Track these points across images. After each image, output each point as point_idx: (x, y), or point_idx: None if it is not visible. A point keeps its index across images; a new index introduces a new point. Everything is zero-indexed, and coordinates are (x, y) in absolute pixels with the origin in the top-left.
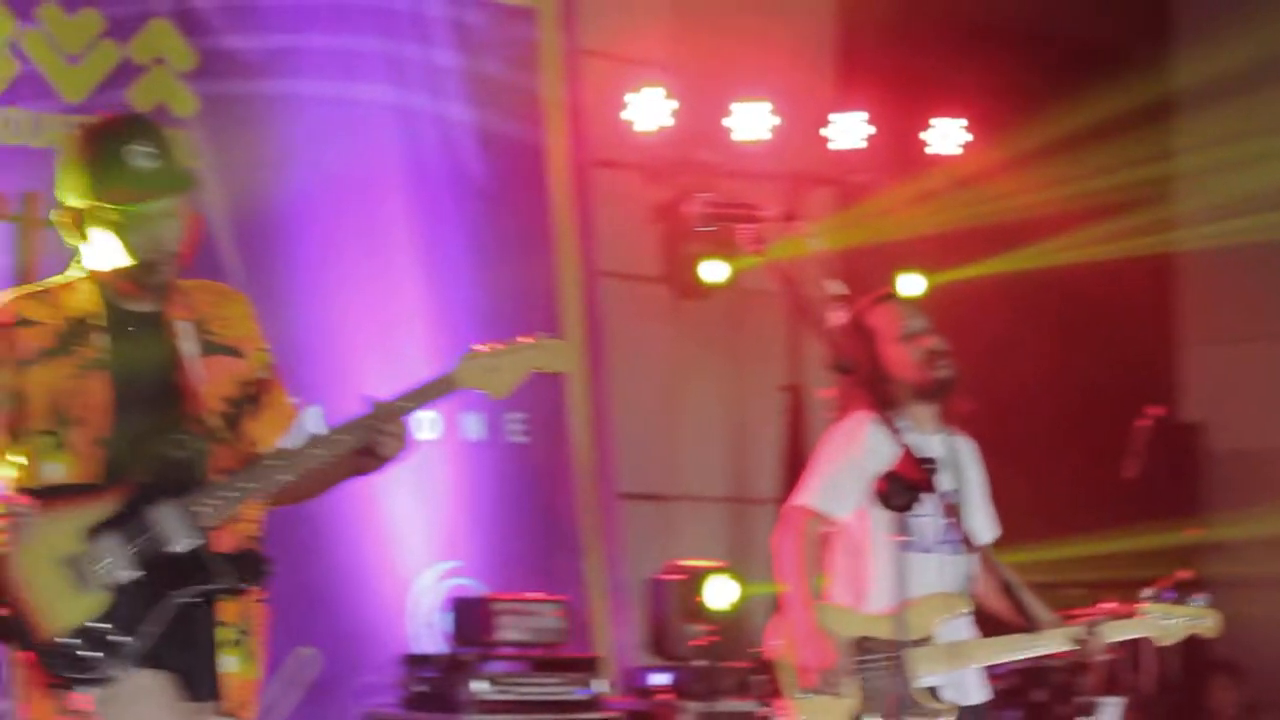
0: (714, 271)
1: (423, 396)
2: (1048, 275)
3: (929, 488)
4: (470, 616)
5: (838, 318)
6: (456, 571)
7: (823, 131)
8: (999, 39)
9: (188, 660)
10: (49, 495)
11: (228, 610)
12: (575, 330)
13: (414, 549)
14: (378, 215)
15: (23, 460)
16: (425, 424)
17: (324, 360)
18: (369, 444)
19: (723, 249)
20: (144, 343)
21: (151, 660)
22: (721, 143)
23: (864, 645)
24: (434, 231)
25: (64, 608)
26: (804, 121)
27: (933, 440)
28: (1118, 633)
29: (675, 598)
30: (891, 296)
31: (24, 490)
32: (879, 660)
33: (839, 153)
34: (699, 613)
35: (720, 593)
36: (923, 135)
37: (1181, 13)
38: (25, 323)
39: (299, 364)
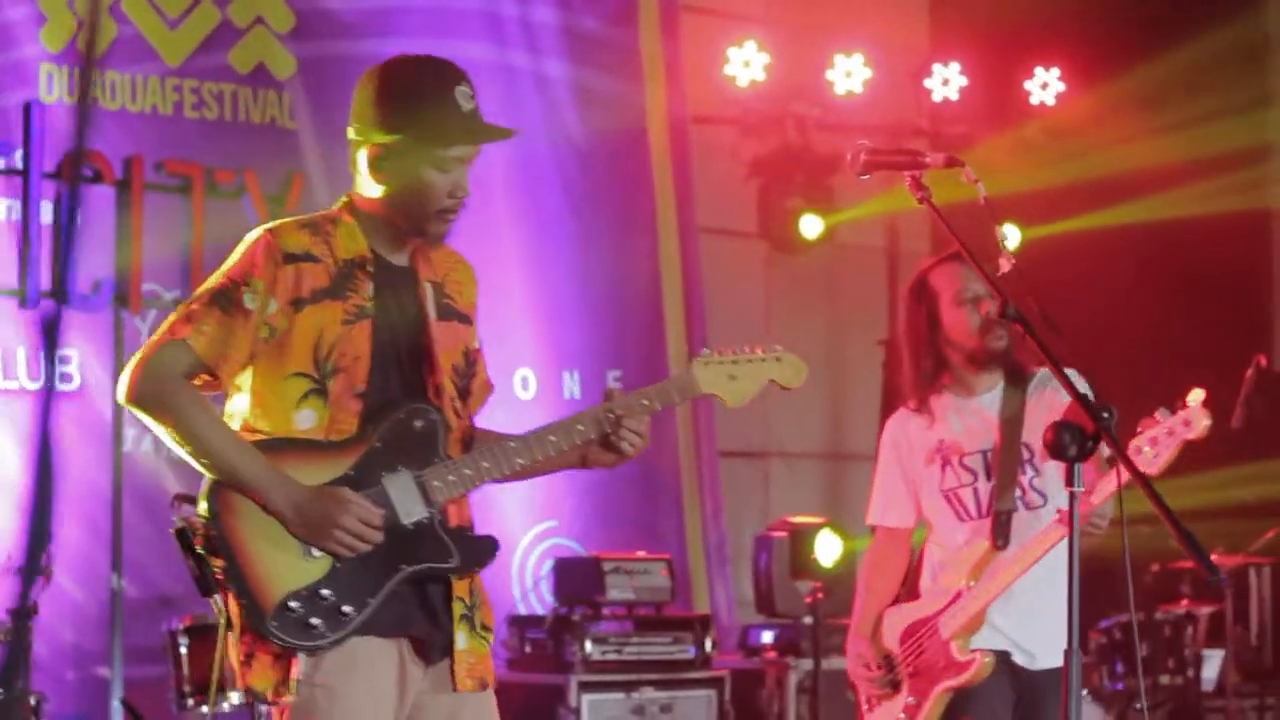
0: (811, 226)
1: (663, 397)
2: (1145, 229)
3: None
4: (576, 576)
5: (1006, 264)
6: (556, 531)
7: (919, 83)
8: None
9: (421, 630)
10: (287, 447)
11: (457, 585)
12: (673, 285)
13: (515, 509)
14: (476, 174)
15: (273, 401)
16: (521, 382)
17: None
18: (605, 438)
19: (820, 203)
20: (401, 297)
21: (385, 629)
22: (818, 96)
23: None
24: (533, 189)
25: (289, 570)
26: (899, 74)
27: (970, 405)
28: None
29: (782, 554)
30: (956, 256)
31: (268, 438)
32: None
33: (935, 104)
34: (807, 569)
35: (827, 548)
36: (1018, 85)
37: None
38: (308, 257)
39: None
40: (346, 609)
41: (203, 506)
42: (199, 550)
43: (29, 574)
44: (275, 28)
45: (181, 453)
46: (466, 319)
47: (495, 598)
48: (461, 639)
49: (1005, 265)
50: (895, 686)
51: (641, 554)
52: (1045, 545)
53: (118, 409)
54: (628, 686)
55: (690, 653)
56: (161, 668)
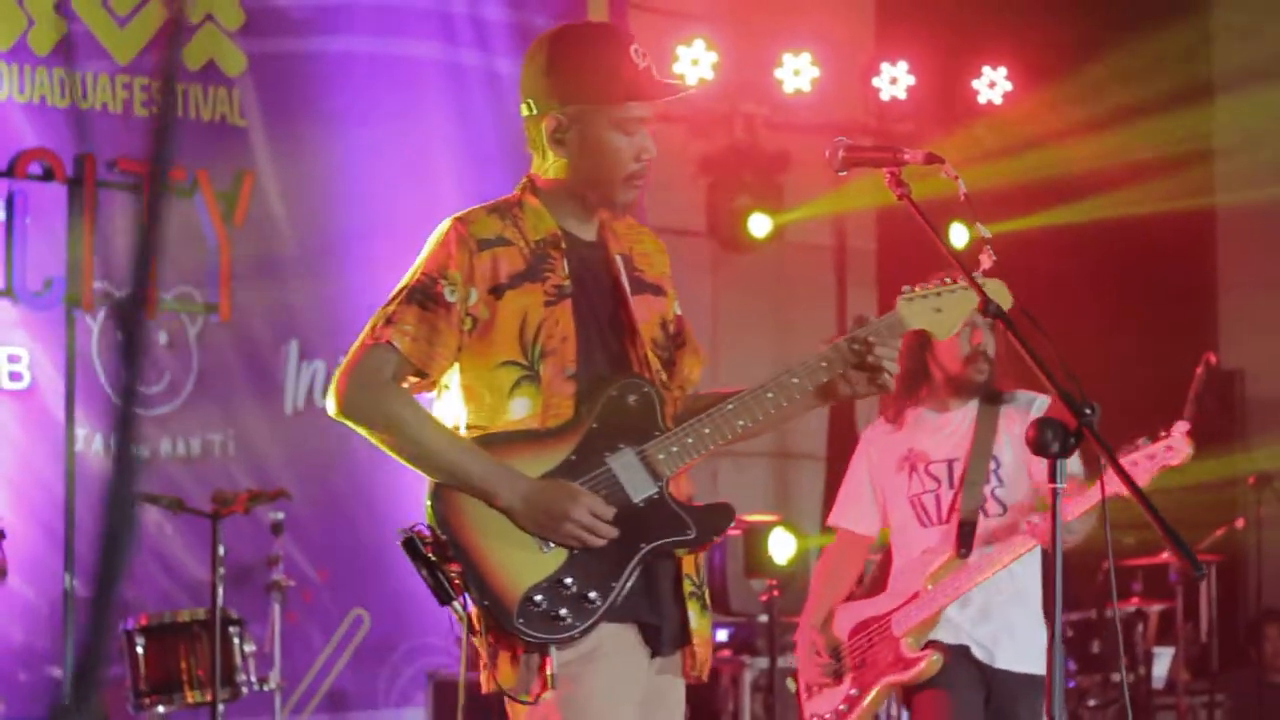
0: (760, 225)
1: (878, 335)
2: (1091, 228)
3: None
4: None
5: (987, 261)
6: None
7: (867, 82)
8: None
9: (657, 613)
10: (506, 440)
11: (685, 562)
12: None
13: None
14: (426, 171)
15: (485, 393)
16: None
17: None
18: (827, 385)
19: (768, 202)
20: (596, 273)
21: (620, 614)
22: (766, 95)
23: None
24: (483, 188)
25: (526, 564)
26: (848, 72)
27: (940, 420)
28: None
29: (737, 552)
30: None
31: (484, 433)
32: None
33: (883, 103)
34: (761, 567)
35: (781, 547)
36: (966, 84)
37: None
38: (502, 241)
39: (349, 321)
40: (593, 595)
41: (429, 512)
42: (431, 558)
43: None
44: (225, 25)
45: (399, 459)
46: (659, 289)
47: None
48: (693, 618)
49: (986, 262)
50: (838, 677)
51: None
52: (1011, 555)
53: (69, 407)
54: None
55: None
56: (117, 668)
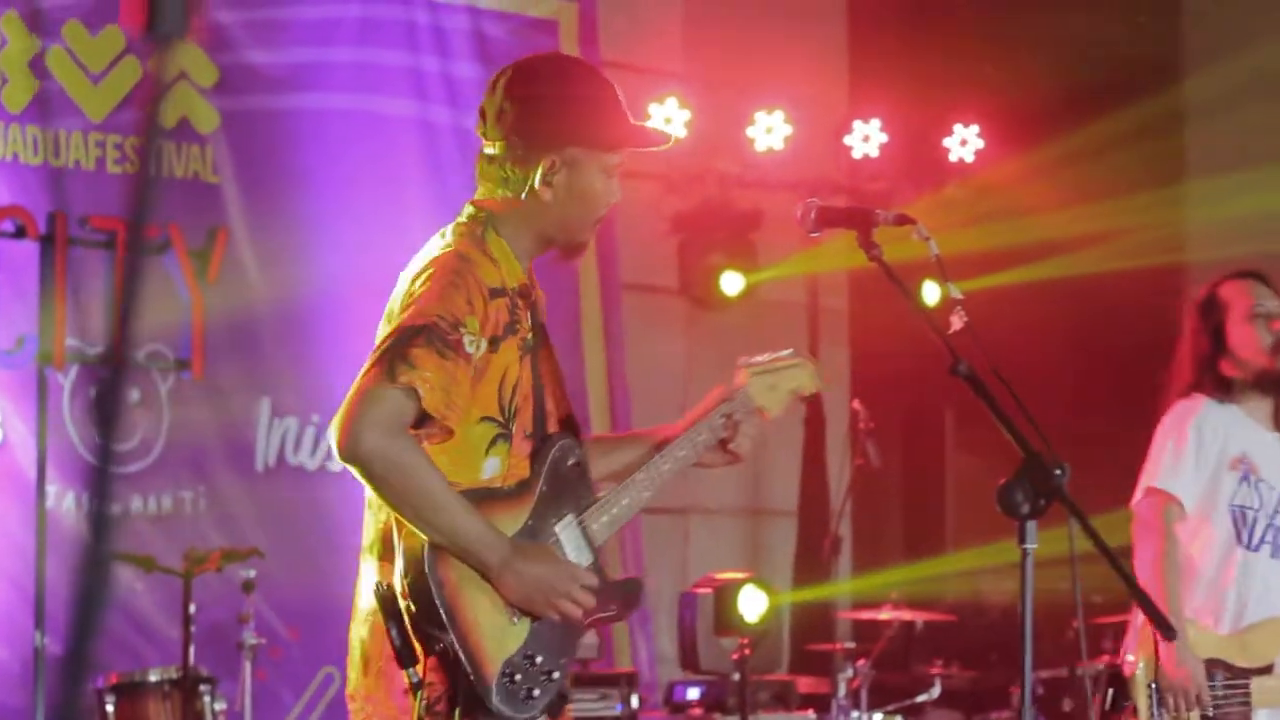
0: (732, 283)
1: (737, 410)
2: (1061, 285)
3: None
4: None
5: (958, 321)
6: None
7: (839, 139)
8: (1012, 45)
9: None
10: (478, 498)
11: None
12: (594, 341)
13: None
14: (399, 229)
15: (464, 450)
16: None
17: (347, 376)
18: (721, 442)
19: (741, 260)
20: (536, 322)
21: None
22: (739, 153)
23: (1212, 669)
24: None
25: (501, 635)
26: (820, 130)
27: (1266, 438)
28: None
29: (707, 610)
30: (1253, 274)
31: (459, 489)
32: (1231, 688)
33: (855, 161)
34: (732, 625)
35: (752, 604)
36: (937, 143)
37: (1192, 24)
38: (500, 291)
39: (321, 379)
40: (554, 673)
41: (425, 572)
42: (404, 618)
43: None
44: (198, 82)
45: (398, 510)
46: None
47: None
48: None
49: (957, 323)
50: None
51: None
52: None
53: (41, 465)
54: None
55: (617, 709)
56: None
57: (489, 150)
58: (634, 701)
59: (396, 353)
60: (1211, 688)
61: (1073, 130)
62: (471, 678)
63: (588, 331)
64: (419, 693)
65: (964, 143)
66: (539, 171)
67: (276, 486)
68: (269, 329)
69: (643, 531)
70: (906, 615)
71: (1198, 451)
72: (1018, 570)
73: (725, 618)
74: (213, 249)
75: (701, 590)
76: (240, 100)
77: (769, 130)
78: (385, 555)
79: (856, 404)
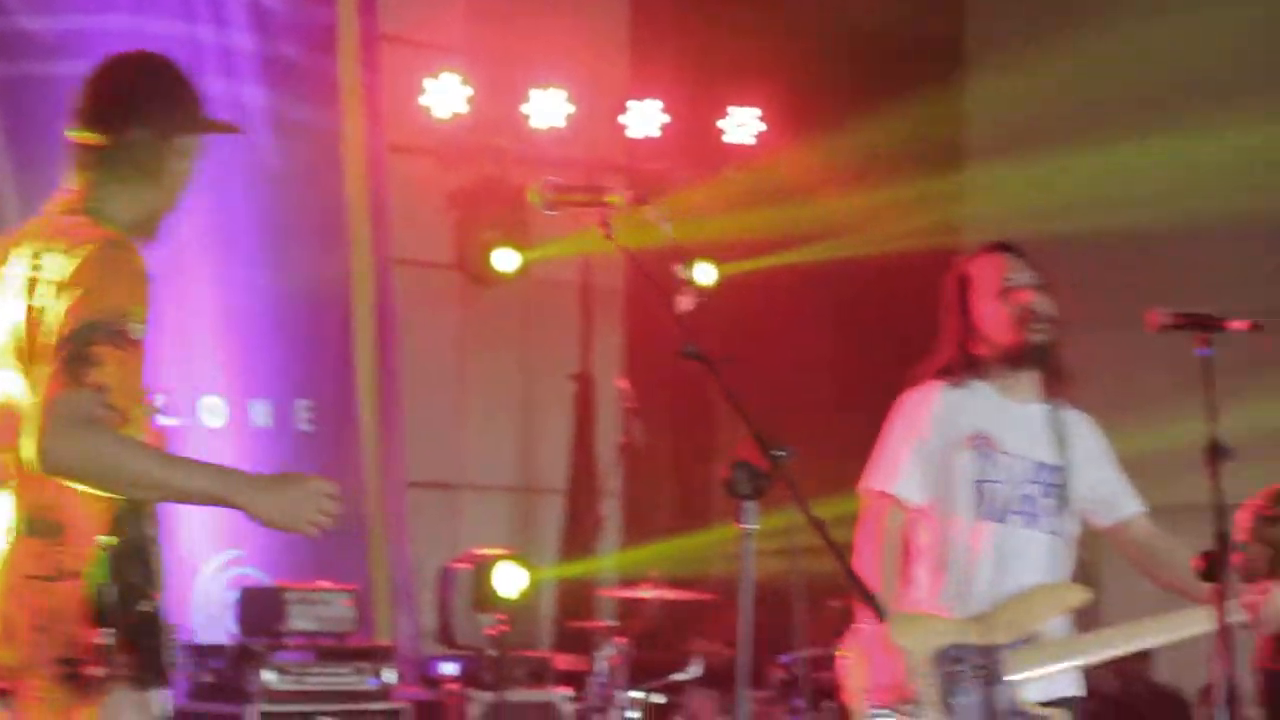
0: (506, 259)
1: None
2: (837, 267)
3: (776, 475)
4: (259, 605)
5: (687, 303)
6: (240, 561)
7: (618, 119)
8: (795, 29)
9: None
10: None
11: None
12: (366, 316)
13: (198, 538)
14: None
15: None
16: (211, 410)
17: None
18: None
19: (516, 237)
20: None
21: None
22: (517, 129)
23: (950, 655)
24: (227, 215)
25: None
26: (600, 109)
27: (1030, 410)
28: None
29: (465, 586)
30: (1004, 246)
31: None
32: (966, 671)
33: (634, 140)
34: (489, 601)
35: (510, 580)
36: (717, 124)
37: (974, 12)
38: (148, 275)
39: None
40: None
41: (134, 535)
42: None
43: None
44: None
45: (123, 494)
46: None
47: (177, 625)
48: None
49: (687, 304)
50: None
51: (325, 584)
52: None
53: None
54: (307, 716)
55: (371, 683)
56: None
57: (84, 140)
58: (388, 675)
59: (77, 355)
60: (960, 672)
61: (853, 115)
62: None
63: (359, 306)
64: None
65: (742, 125)
66: (155, 157)
67: None
68: None
69: (411, 507)
70: (668, 593)
71: (918, 443)
72: (778, 549)
73: (482, 593)
74: None
75: (460, 566)
76: (12, 66)
77: (549, 108)
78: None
79: (622, 382)
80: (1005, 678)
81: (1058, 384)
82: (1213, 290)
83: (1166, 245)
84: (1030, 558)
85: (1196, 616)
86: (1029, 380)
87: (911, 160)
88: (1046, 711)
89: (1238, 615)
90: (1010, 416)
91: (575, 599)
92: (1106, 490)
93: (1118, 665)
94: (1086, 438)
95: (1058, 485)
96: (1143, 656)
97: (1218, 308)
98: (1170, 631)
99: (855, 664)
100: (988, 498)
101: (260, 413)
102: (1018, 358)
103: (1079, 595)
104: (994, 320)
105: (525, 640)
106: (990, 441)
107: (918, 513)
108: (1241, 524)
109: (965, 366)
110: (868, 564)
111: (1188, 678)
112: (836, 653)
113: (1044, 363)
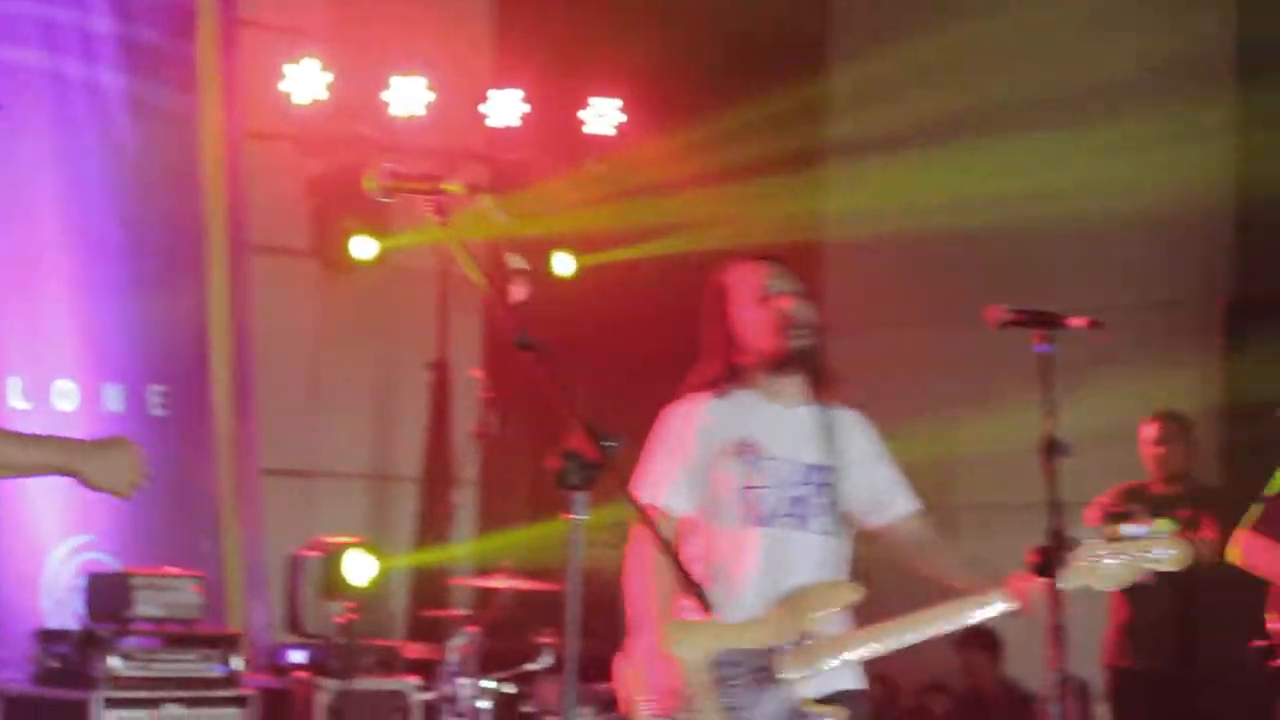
0: (364, 247)
1: None
2: (696, 259)
3: (606, 466)
4: (106, 591)
5: (520, 292)
6: (90, 546)
7: (479, 108)
8: (660, 21)
9: None
10: None
11: None
12: (221, 302)
13: (48, 522)
14: (25, 184)
15: None
16: (63, 394)
17: None
18: None
19: (374, 225)
20: None
21: None
22: (377, 117)
23: (725, 660)
24: (82, 198)
25: None
26: (461, 98)
27: (798, 413)
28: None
29: (314, 573)
30: (762, 255)
31: None
32: (741, 675)
33: (495, 130)
34: (338, 589)
35: (359, 568)
36: (578, 114)
37: (839, 10)
38: None
39: None
40: None
41: None
42: None
43: None
44: None
45: None
46: None
47: (21, 610)
48: None
49: (518, 294)
50: None
51: (173, 570)
52: None
53: None
54: (152, 704)
55: (218, 670)
56: None
57: None
58: (235, 663)
59: None
60: (735, 676)
61: (716, 108)
62: None
63: (215, 291)
64: None
65: (603, 116)
66: None
67: None
68: None
69: (265, 494)
70: (521, 583)
71: (683, 457)
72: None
73: (331, 581)
74: None
75: (309, 554)
76: None
77: (409, 96)
78: None
79: (478, 372)
80: (780, 678)
81: (824, 387)
82: (1080, 286)
83: (1024, 243)
84: (802, 559)
85: (967, 607)
86: (795, 384)
87: (774, 154)
88: (824, 709)
89: (1009, 604)
90: (777, 421)
91: (429, 588)
92: (879, 489)
93: (966, 663)
94: (859, 438)
95: (828, 485)
96: (991, 654)
97: (1091, 304)
98: (945, 622)
99: (632, 673)
100: (754, 504)
101: (113, 397)
102: (781, 363)
103: (852, 592)
104: (755, 328)
105: (376, 629)
106: (755, 448)
107: (686, 523)
108: (1090, 521)
109: (729, 377)
110: (635, 580)
111: (1034, 675)
112: (614, 661)
113: (808, 367)
